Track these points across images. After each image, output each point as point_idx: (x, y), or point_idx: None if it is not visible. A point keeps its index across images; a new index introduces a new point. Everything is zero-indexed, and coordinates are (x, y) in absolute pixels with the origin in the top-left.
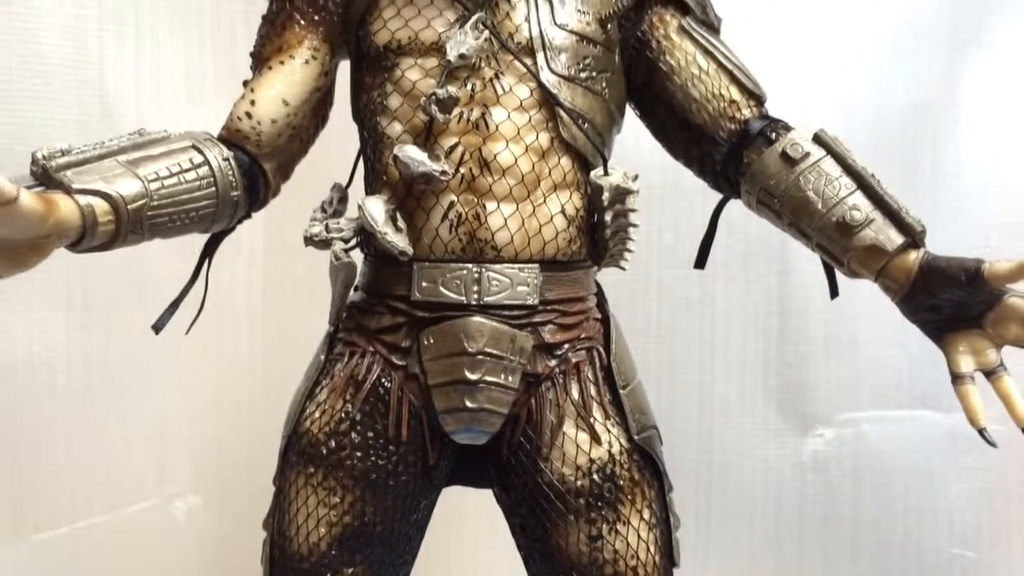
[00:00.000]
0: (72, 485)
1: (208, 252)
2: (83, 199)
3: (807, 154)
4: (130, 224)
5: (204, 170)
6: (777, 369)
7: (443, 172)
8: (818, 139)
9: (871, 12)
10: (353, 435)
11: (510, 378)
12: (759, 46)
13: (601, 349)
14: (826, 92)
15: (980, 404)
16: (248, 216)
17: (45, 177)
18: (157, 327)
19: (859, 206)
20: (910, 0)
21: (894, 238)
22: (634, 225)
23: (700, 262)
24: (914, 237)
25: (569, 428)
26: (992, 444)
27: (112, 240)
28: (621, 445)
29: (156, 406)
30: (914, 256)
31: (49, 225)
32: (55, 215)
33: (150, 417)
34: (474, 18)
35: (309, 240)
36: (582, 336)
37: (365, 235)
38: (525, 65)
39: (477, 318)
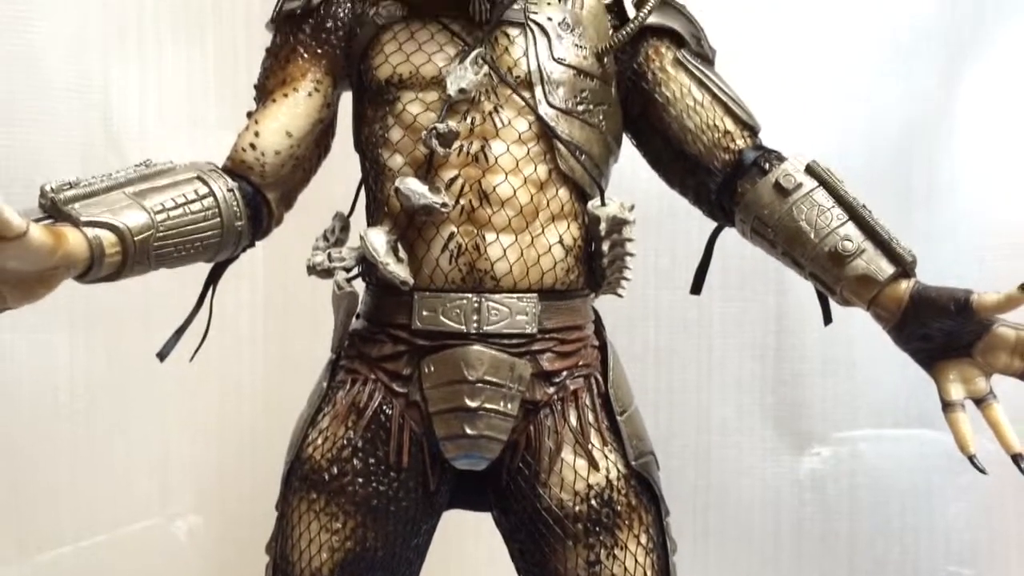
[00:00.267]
0: (75, 505)
1: (212, 280)
2: (91, 231)
3: (800, 184)
4: (137, 255)
5: (209, 201)
6: (774, 388)
7: (443, 204)
8: (810, 170)
9: (865, 33)
10: (355, 461)
11: (509, 405)
12: (754, 70)
13: (599, 376)
14: (820, 113)
15: (970, 431)
16: (252, 245)
17: (54, 210)
18: (162, 355)
19: (851, 236)
20: (904, 21)
21: (885, 268)
22: (631, 254)
23: (696, 288)
24: (905, 267)
25: (567, 454)
26: (982, 471)
27: (119, 271)
28: (618, 471)
29: (158, 427)
30: (905, 286)
31: (58, 257)
32: (64, 247)
33: (153, 438)
34: (474, 53)
35: (312, 269)
36: (580, 363)
37: (367, 265)
38: (524, 99)
39: (477, 347)
